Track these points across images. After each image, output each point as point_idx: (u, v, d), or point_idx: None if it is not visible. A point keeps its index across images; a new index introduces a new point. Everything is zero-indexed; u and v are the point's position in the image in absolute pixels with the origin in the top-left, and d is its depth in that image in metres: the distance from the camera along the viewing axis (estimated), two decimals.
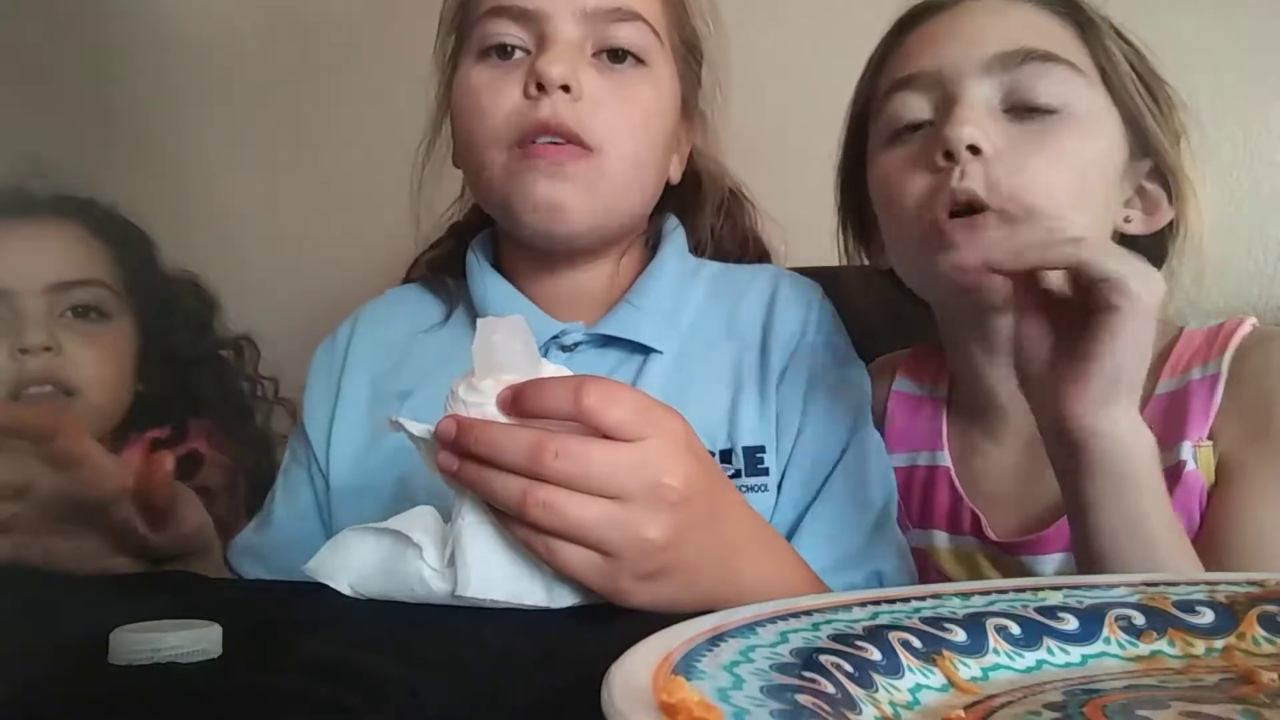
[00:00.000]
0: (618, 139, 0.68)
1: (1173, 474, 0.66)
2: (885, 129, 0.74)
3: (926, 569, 0.74)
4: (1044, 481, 0.66)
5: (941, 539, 0.75)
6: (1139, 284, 0.54)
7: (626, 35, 0.70)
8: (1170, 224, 0.73)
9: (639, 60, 0.71)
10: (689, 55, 0.76)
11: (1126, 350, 0.55)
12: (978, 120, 0.66)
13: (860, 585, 0.65)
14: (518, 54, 0.69)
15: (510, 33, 0.69)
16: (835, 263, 0.87)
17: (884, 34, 0.78)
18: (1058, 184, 0.66)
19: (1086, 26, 0.70)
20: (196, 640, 0.39)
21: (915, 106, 0.71)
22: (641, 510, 0.46)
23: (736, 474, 0.68)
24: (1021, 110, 0.68)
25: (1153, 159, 0.72)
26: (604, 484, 0.46)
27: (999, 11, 0.71)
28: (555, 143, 0.67)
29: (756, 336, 0.73)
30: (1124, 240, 0.73)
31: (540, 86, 0.66)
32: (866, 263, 0.84)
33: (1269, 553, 0.62)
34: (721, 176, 0.82)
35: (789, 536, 0.67)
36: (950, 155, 0.66)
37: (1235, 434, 0.67)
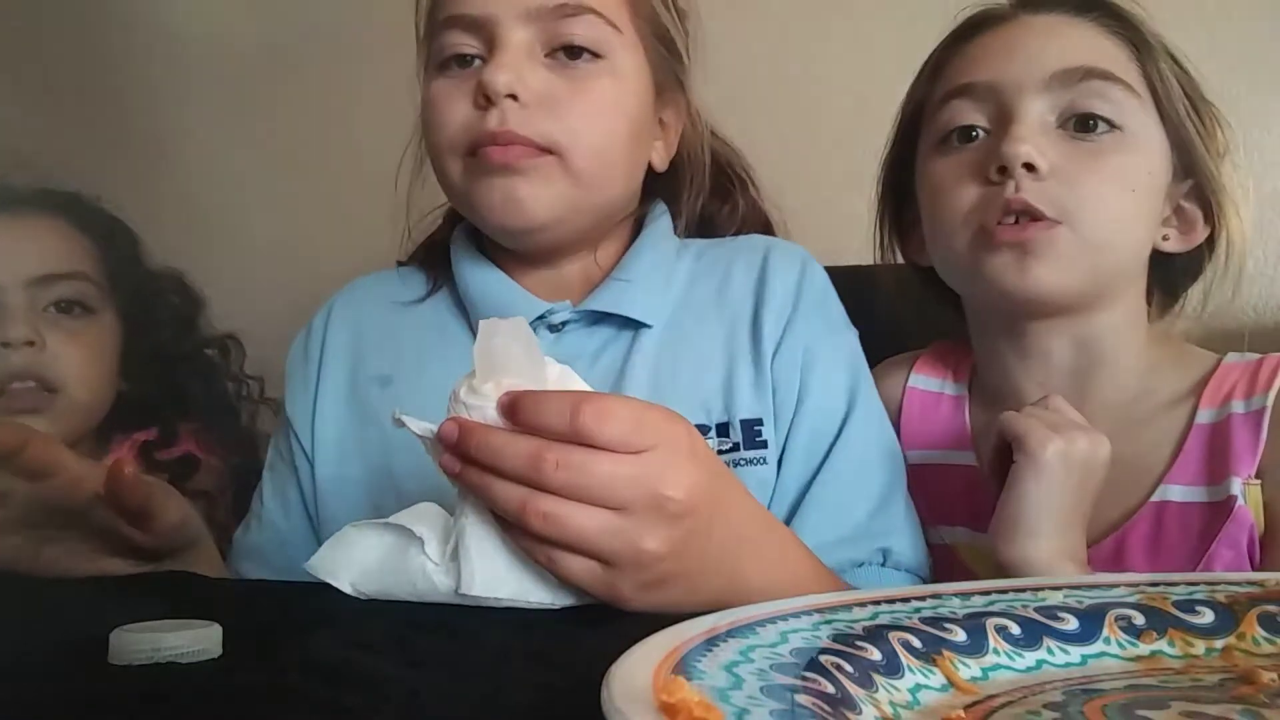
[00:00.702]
0: (575, 137, 0.68)
1: (1224, 508, 0.68)
2: (938, 133, 0.75)
3: (952, 565, 0.75)
4: None
5: (966, 535, 0.76)
6: (1035, 443, 0.63)
7: (578, 30, 0.68)
8: (1206, 241, 0.75)
9: (595, 54, 0.69)
10: (657, 38, 0.75)
11: (1025, 498, 0.63)
12: (1033, 138, 0.69)
13: (866, 559, 0.65)
14: (475, 63, 0.69)
15: (464, 42, 0.69)
16: (835, 261, 0.87)
17: (937, 44, 0.79)
18: (1107, 201, 0.69)
19: (1142, 48, 0.72)
20: (196, 640, 0.39)
21: (970, 115, 0.73)
22: (642, 521, 0.46)
23: (735, 447, 0.68)
24: (1076, 126, 0.70)
25: (1195, 179, 0.73)
26: (604, 495, 0.46)
27: (1059, 29, 0.73)
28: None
29: (748, 308, 0.73)
30: (1159, 257, 0.75)
31: (488, 97, 0.66)
32: (900, 258, 0.85)
33: None
34: (702, 155, 0.80)
35: (793, 512, 0.67)
36: (1004, 170, 0.69)
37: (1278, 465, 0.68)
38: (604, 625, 0.46)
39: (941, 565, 0.71)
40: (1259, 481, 0.68)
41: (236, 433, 1.10)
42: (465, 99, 0.68)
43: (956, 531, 0.77)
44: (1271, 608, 0.37)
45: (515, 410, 0.46)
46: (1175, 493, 0.70)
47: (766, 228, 0.85)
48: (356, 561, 0.51)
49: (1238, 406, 0.70)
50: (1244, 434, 0.69)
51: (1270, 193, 1.10)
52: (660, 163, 0.77)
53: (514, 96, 0.66)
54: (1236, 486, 0.68)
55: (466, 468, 0.47)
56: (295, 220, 1.41)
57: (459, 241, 0.78)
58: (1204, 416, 0.71)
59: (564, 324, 0.73)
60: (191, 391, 1.08)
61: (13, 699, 0.35)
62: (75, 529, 0.60)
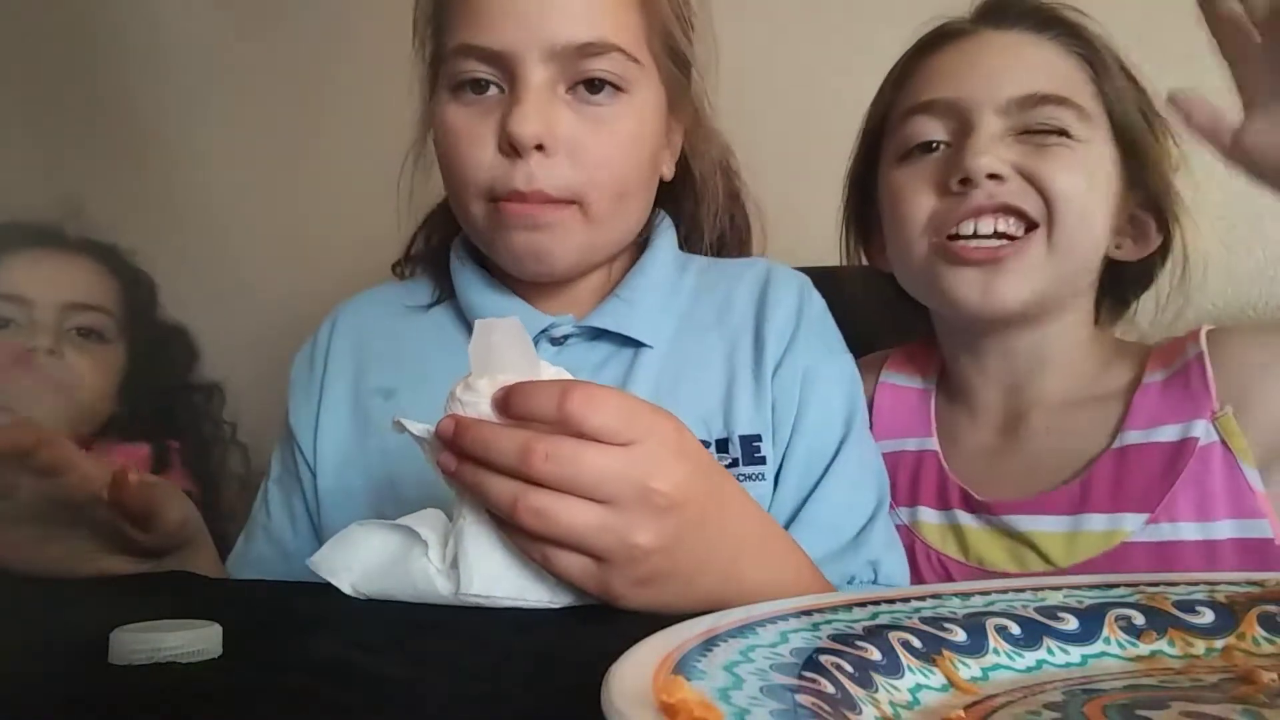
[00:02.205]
0: (598, 185, 0.68)
1: (1186, 449, 0.71)
2: (899, 147, 0.78)
3: (912, 543, 0.78)
4: (1018, 459, 0.78)
5: (928, 514, 0.80)
6: None
7: (601, 67, 0.67)
8: (1159, 250, 0.78)
9: (617, 88, 0.68)
10: (671, 58, 0.74)
11: None
12: (994, 149, 0.72)
13: (857, 573, 0.66)
14: (491, 89, 0.68)
15: (481, 70, 0.67)
16: (820, 259, 0.89)
17: (901, 55, 0.82)
18: (1073, 193, 0.72)
19: (1099, 68, 0.75)
20: (196, 640, 0.39)
21: (931, 129, 0.76)
22: (631, 515, 0.46)
23: (734, 463, 0.68)
24: (1032, 135, 0.73)
25: (1145, 190, 0.76)
26: (592, 488, 0.46)
27: (1017, 49, 0.76)
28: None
29: (749, 326, 0.73)
30: (1112, 266, 0.79)
31: (514, 147, 0.65)
32: (866, 262, 0.88)
33: None
34: (715, 172, 0.80)
35: (787, 526, 0.67)
36: (966, 181, 0.72)
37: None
38: (604, 625, 0.46)
39: (904, 545, 0.75)
40: (1229, 410, 0.71)
41: (208, 466, 1.24)
42: (488, 140, 0.67)
43: (921, 511, 0.80)
44: (1271, 608, 0.37)
45: (507, 401, 0.47)
46: (1134, 437, 0.74)
47: (745, 223, 0.85)
48: (359, 562, 0.51)
49: (1176, 364, 0.75)
50: (1194, 378, 0.73)
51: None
52: (669, 173, 0.77)
53: (540, 146, 0.65)
54: (1199, 428, 0.71)
55: (462, 465, 0.47)
56: (304, 222, 1.41)
57: (459, 255, 0.77)
58: (1150, 378, 0.76)
59: (566, 337, 0.73)
60: (175, 421, 1.23)
61: (13, 699, 0.35)
62: (77, 525, 0.60)
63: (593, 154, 0.67)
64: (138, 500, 0.59)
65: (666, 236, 0.78)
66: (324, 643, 0.43)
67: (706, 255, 0.81)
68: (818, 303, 0.76)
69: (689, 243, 0.81)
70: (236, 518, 0.90)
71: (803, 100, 1.17)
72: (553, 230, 0.68)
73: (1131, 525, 0.71)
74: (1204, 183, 0.78)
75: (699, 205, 0.80)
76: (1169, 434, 0.72)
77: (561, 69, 0.67)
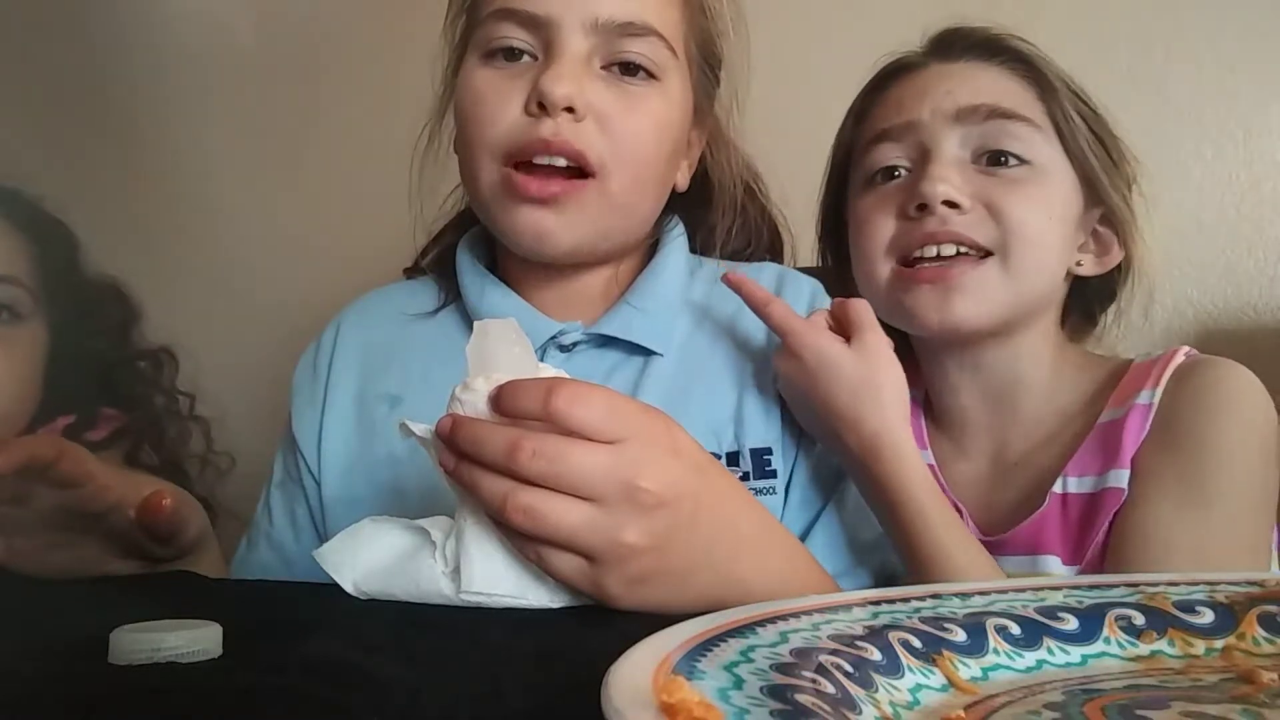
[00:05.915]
0: (620, 160, 0.67)
1: (1108, 498, 0.73)
2: (864, 175, 0.82)
3: None
4: (1004, 491, 0.79)
5: None
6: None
7: (639, 49, 0.67)
8: (1119, 264, 0.81)
9: (650, 75, 0.68)
10: (705, 63, 0.74)
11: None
12: (950, 176, 0.74)
13: (871, 577, 0.65)
14: (525, 59, 0.67)
15: (517, 37, 0.67)
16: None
17: (860, 92, 0.86)
18: (1031, 226, 0.75)
19: (1046, 89, 0.78)
20: (196, 640, 0.39)
21: (892, 155, 0.80)
22: (618, 514, 0.46)
23: (745, 476, 0.68)
24: (988, 161, 0.76)
25: (1105, 206, 0.79)
26: (579, 485, 0.45)
27: (966, 73, 0.79)
28: (552, 164, 0.65)
29: (761, 335, 0.73)
30: (1077, 281, 0.82)
31: (542, 106, 0.64)
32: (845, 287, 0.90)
33: (1175, 563, 0.67)
34: (734, 186, 0.80)
35: (801, 540, 0.66)
36: (924, 208, 0.74)
37: (1150, 447, 0.72)
38: (604, 625, 0.46)
39: None
40: None
41: (161, 446, 1.03)
42: (515, 100, 0.66)
43: None
44: (1271, 608, 0.37)
45: (499, 399, 0.47)
46: (1072, 484, 0.76)
47: (775, 234, 0.85)
48: (363, 561, 0.51)
49: (1140, 398, 0.75)
50: (1134, 425, 0.74)
51: (1270, 192, 1.10)
52: (684, 183, 0.77)
53: (570, 109, 0.65)
54: (1123, 478, 0.72)
55: (460, 463, 0.47)
56: (306, 222, 1.41)
57: (465, 256, 0.76)
58: (1105, 417, 0.76)
59: (574, 345, 0.72)
60: (115, 392, 1.02)
61: (13, 699, 0.35)
62: (90, 532, 0.60)
63: (621, 127, 0.67)
64: (169, 526, 0.60)
65: (678, 242, 0.77)
66: (324, 643, 0.43)
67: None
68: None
69: (704, 253, 0.81)
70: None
71: (801, 100, 1.17)
72: (562, 208, 0.66)
73: (1064, 570, 0.73)
74: (1156, 199, 0.82)
75: (716, 216, 0.79)
76: (1094, 484, 0.74)
77: (600, 44, 0.67)
